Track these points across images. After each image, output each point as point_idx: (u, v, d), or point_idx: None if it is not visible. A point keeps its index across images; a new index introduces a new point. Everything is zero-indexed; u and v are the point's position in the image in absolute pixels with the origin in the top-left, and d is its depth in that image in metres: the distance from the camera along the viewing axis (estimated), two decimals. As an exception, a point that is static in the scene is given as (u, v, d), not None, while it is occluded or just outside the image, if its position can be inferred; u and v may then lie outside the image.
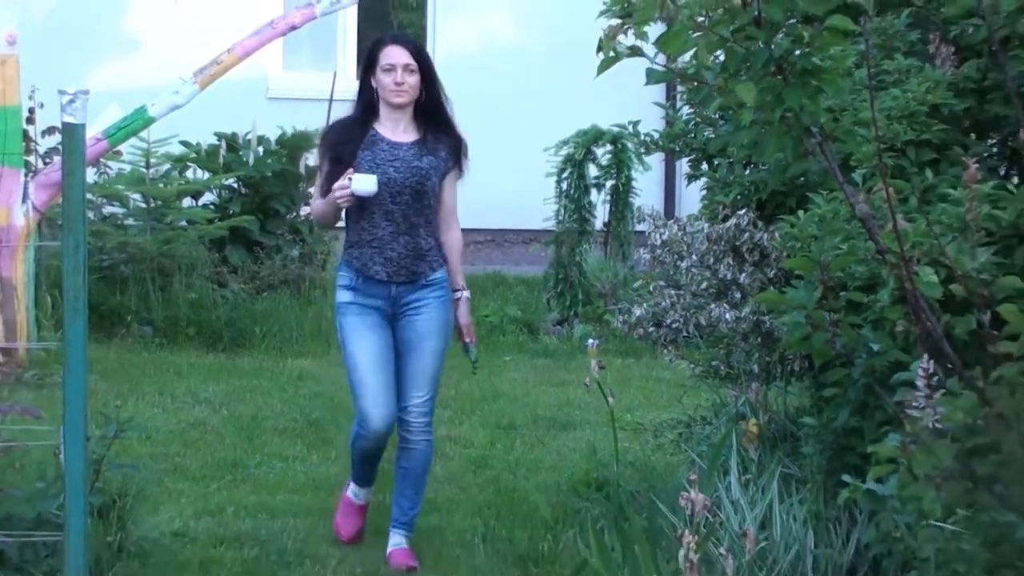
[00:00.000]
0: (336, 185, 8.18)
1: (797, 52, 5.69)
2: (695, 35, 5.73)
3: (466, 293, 8.66)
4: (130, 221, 15.72)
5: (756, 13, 5.63)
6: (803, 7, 5.62)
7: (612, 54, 5.67)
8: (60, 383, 6.48)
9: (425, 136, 8.53)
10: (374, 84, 8.50)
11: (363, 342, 8.39)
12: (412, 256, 8.41)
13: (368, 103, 8.51)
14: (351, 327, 8.44)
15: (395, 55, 8.23)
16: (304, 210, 16.53)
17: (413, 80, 8.28)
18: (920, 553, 6.37)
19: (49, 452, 7.65)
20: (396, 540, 8.64)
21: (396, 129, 8.48)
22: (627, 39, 5.72)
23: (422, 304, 8.48)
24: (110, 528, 8.41)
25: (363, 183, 8.07)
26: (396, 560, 8.51)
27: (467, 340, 8.44)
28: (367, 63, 8.55)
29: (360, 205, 8.30)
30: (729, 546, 5.62)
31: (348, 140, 8.47)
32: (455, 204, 8.75)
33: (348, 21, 18.09)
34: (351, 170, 8.20)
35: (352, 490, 8.91)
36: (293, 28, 14.45)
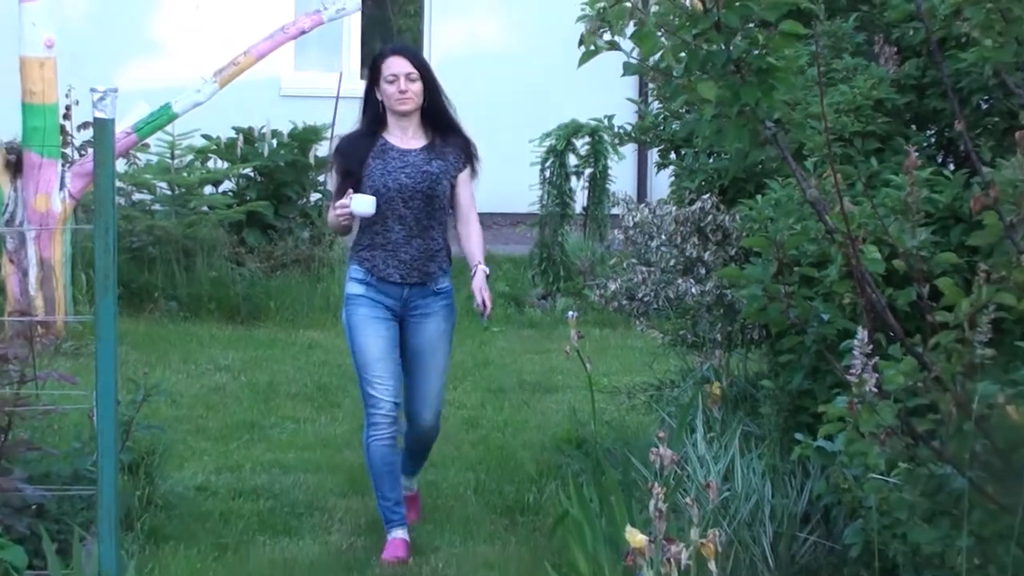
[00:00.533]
0: (338, 203, 7.95)
1: (754, 53, 5.71)
2: (664, 36, 5.77)
3: (484, 267, 8.08)
4: (157, 207, 15.73)
5: (716, 19, 5.65)
6: (758, 13, 5.64)
7: (592, 48, 5.69)
8: (94, 353, 6.49)
9: (433, 141, 8.16)
10: (379, 96, 8.17)
11: (371, 332, 8.01)
12: (424, 258, 8.04)
13: (375, 115, 8.16)
14: (359, 318, 8.06)
15: (397, 65, 7.93)
16: (314, 196, 16.56)
17: (416, 87, 7.96)
18: (865, 502, 6.39)
19: (84, 415, 7.65)
20: (406, 485, 8.52)
21: (405, 136, 8.12)
22: (605, 36, 5.75)
23: (430, 311, 8.15)
24: (139, 483, 8.43)
25: (362, 204, 7.76)
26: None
27: (480, 304, 7.93)
28: (370, 76, 8.23)
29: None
30: (695, 496, 5.64)
31: (356, 152, 8.10)
32: (471, 201, 8.33)
33: (352, 26, 18.05)
34: (351, 190, 7.86)
35: (391, 536, 8.06)
36: (303, 32, 14.48)
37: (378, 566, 7.80)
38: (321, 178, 16.43)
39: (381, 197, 7.87)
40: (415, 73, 7.97)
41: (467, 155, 8.24)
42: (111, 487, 6.44)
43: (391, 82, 7.92)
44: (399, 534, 7.95)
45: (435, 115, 8.14)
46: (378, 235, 7.98)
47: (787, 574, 7.79)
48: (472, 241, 8.19)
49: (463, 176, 8.22)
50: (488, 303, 7.89)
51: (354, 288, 8.08)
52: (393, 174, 7.96)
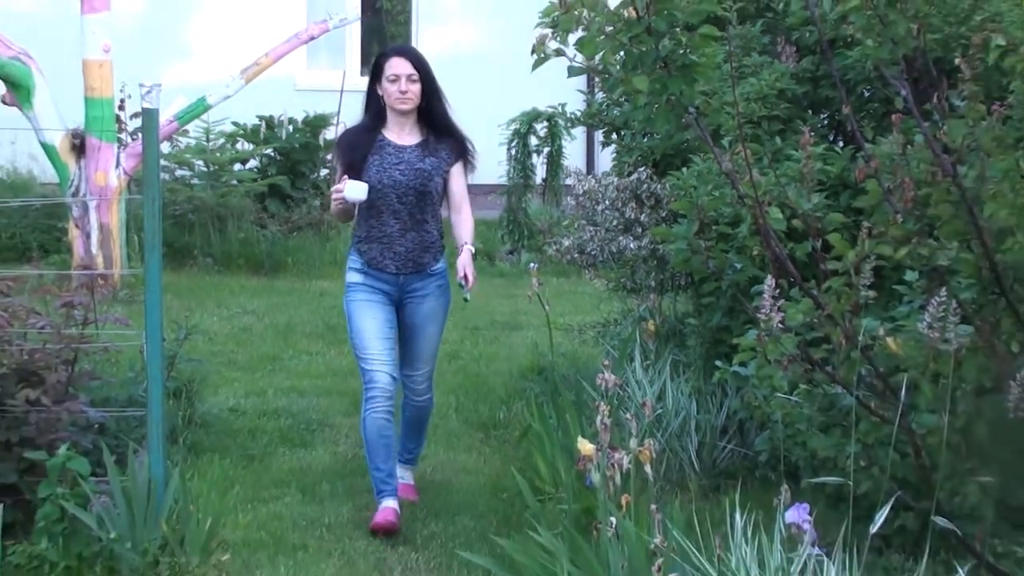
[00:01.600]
0: (333, 189, 7.20)
1: (678, 52, 5.69)
2: (602, 40, 5.75)
3: (470, 246, 7.20)
4: (195, 181, 15.69)
5: (647, 24, 5.63)
6: (682, 19, 5.62)
7: (542, 55, 5.68)
8: (143, 300, 6.47)
9: (428, 139, 7.35)
10: (380, 92, 7.41)
11: (368, 314, 7.20)
12: (418, 250, 7.27)
13: (377, 111, 7.37)
14: (358, 303, 7.27)
15: (398, 66, 7.16)
16: (323, 172, 16.53)
17: (416, 88, 7.18)
18: (772, 417, 6.40)
19: (136, 350, 7.62)
20: (400, 474, 7.54)
21: (401, 133, 7.31)
22: (555, 44, 5.73)
23: (426, 292, 7.37)
24: (181, 406, 8.43)
25: (354, 191, 6.99)
26: (400, 493, 7.34)
27: (462, 278, 7.03)
28: (373, 74, 7.44)
29: (369, 204, 7.19)
30: (634, 413, 5.64)
31: (359, 146, 7.31)
32: (464, 192, 7.44)
33: (353, 32, 17.98)
34: (345, 177, 7.13)
35: (381, 506, 7.10)
36: (312, 38, 14.50)
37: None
38: (329, 156, 16.37)
39: (377, 192, 7.16)
40: (416, 74, 7.22)
41: (460, 152, 7.44)
42: (159, 409, 6.43)
43: (392, 81, 7.18)
44: (390, 503, 7.07)
45: (431, 115, 7.37)
46: (375, 228, 7.26)
47: (709, 476, 7.81)
48: (463, 228, 7.35)
49: (456, 168, 7.41)
50: (471, 279, 7.06)
51: (353, 277, 7.35)
52: (388, 171, 7.21)
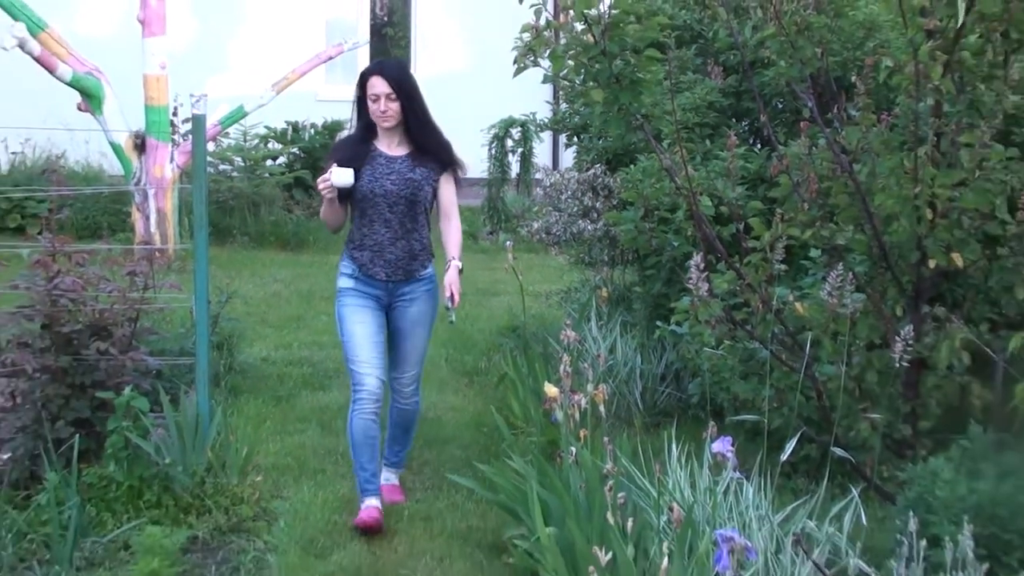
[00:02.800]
0: (320, 179, 6.18)
1: (628, 70, 5.67)
2: (568, 59, 5.73)
3: (457, 263, 6.21)
4: (234, 174, 15.59)
5: (602, 48, 5.61)
6: (631, 44, 5.60)
7: (523, 65, 5.66)
8: (192, 270, 6.44)
9: (416, 150, 6.31)
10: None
11: (358, 319, 6.19)
12: (407, 257, 6.26)
13: (368, 122, 6.35)
14: (349, 307, 6.25)
15: (377, 86, 6.18)
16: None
17: (395, 106, 6.16)
18: (702, 366, 6.39)
19: (186, 311, 7.60)
20: (386, 476, 6.66)
21: (391, 144, 6.31)
22: (531, 58, 5.72)
23: (415, 297, 6.32)
24: (223, 356, 8.40)
25: (341, 176, 6.03)
26: (385, 494, 6.42)
27: (449, 299, 6.06)
28: (358, 91, 6.45)
29: (360, 213, 6.28)
30: (590, 363, 5.62)
31: (354, 157, 6.28)
32: (453, 201, 6.45)
33: (363, 54, 17.86)
34: (334, 164, 6.20)
35: (364, 504, 6.14)
36: (330, 58, 14.45)
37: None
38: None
39: (368, 202, 6.22)
40: (393, 93, 6.19)
41: (447, 163, 6.42)
42: (205, 358, 6.41)
43: (373, 100, 6.21)
44: (373, 502, 6.11)
45: (416, 128, 6.32)
46: (366, 236, 6.26)
47: (650, 415, 7.81)
48: (450, 238, 6.36)
49: (444, 178, 6.40)
50: (457, 297, 6.10)
51: (344, 282, 6.33)
52: (380, 180, 6.21)
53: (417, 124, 6.30)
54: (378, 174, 6.24)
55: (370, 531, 5.99)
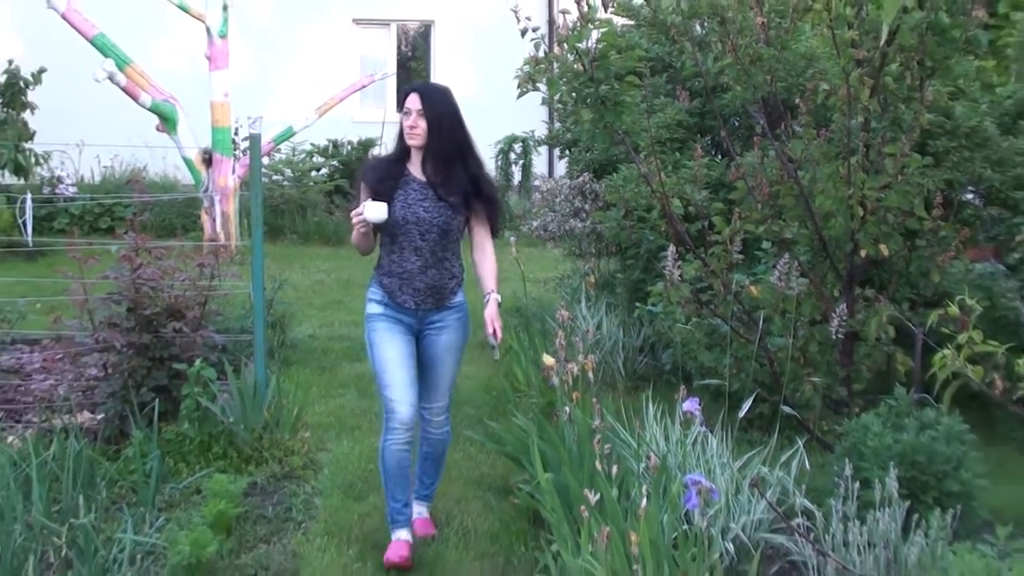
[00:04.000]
0: (353, 212, 5.05)
1: (612, 94, 5.64)
2: (562, 85, 5.71)
3: (496, 296, 5.11)
4: (285, 183, 15.57)
5: (590, 75, 5.58)
6: (614, 72, 5.58)
7: (525, 90, 5.64)
8: (250, 262, 6.42)
9: (450, 176, 5.10)
10: None
11: (390, 345, 5.08)
12: (438, 286, 5.14)
13: (405, 146, 5.19)
14: (379, 333, 5.14)
15: (410, 101, 5.09)
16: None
17: (423, 124, 5.05)
18: (674, 340, 6.37)
19: (246, 296, 7.57)
20: (418, 510, 5.48)
21: (425, 169, 5.12)
22: (532, 84, 5.70)
23: (445, 325, 5.20)
24: (277, 333, 8.41)
25: (374, 211, 4.97)
26: (417, 528, 5.34)
27: (490, 334, 4.99)
28: (399, 107, 5.48)
29: (391, 239, 5.14)
30: (581, 337, 5.60)
31: (387, 178, 5.17)
32: (487, 231, 5.24)
33: (391, 83, 17.82)
34: (369, 199, 5.05)
35: (395, 537, 5.12)
36: (364, 87, 14.47)
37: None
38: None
39: (399, 228, 5.05)
40: (423, 110, 5.06)
41: (481, 191, 5.19)
42: (261, 335, 6.39)
43: (405, 115, 5.11)
44: (403, 535, 5.10)
45: (435, 152, 5.09)
46: (395, 263, 5.12)
47: (631, 380, 7.78)
48: (486, 269, 5.18)
49: (478, 206, 5.19)
50: (499, 333, 5.03)
51: (373, 308, 5.23)
52: (412, 207, 5.07)
53: (438, 147, 5.07)
54: (411, 200, 5.08)
55: (400, 569, 4.98)
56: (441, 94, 5.17)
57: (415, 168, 5.14)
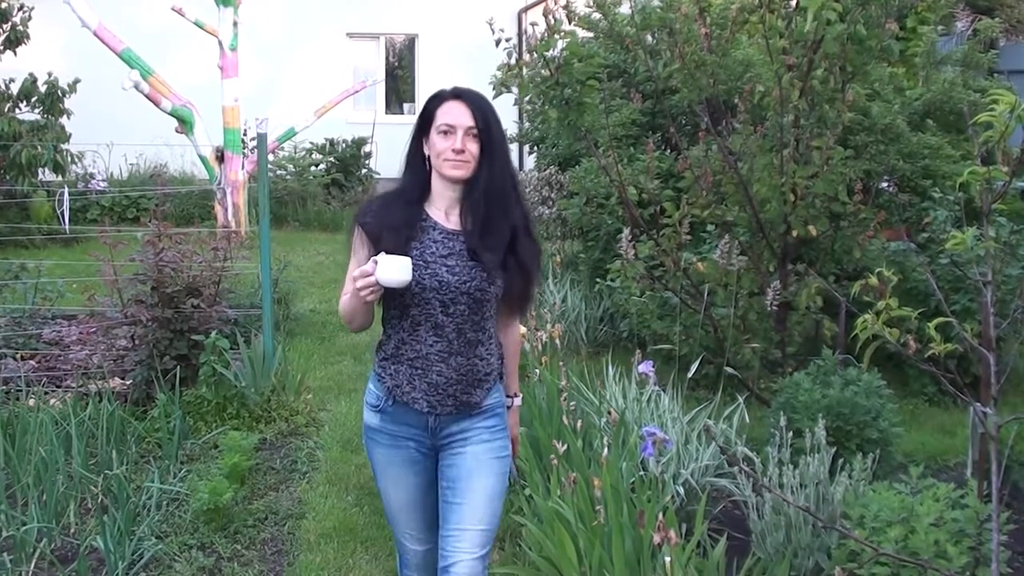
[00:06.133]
0: (356, 274, 2.77)
1: (575, 95, 5.61)
2: (531, 88, 5.67)
3: (517, 400, 3.16)
4: (288, 177, 15.45)
5: (556, 79, 5.55)
6: (577, 77, 5.54)
7: (498, 92, 5.60)
8: (259, 246, 6.37)
9: (489, 223, 2.86)
10: (427, 150, 2.92)
11: (392, 479, 3.02)
12: (465, 383, 2.90)
13: (422, 179, 2.94)
14: (381, 460, 3.03)
15: (456, 114, 2.86)
16: (362, 171, 16.29)
17: (476, 149, 2.84)
18: (630, 311, 6.36)
19: (255, 276, 7.52)
20: None
21: (452, 212, 2.92)
22: (505, 89, 5.66)
23: (469, 436, 2.95)
24: (282, 308, 8.34)
25: (393, 270, 2.71)
26: None
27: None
28: (422, 123, 2.94)
29: (400, 312, 2.92)
30: (548, 309, 5.58)
31: (400, 227, 2.87)
32: (515, 304, 3.03)
33: (380, 88, 17.66)
34: (383, 254, 2.74)
35: None
36: (356, 92, 14.30)
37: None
38: (367, 159, 16.12)
39: (414, 297, 2.86)
40: (476, 129, 2.85)
41: (516, 252, 2.92)
42: (269, 310, 6.34)
43: (445, 134, 2.85)
44: None
45: (487, 189, 2.86)
46: (405, 345, 2.91)
47: (593, 346, 7.78)
48: (509, 360, 3.12)
49: (514, 268, 2.92)
50: (518, 450, 3.24)
51: (369, 418, 3.06)
52: (431, 266, 2.86)
53: (488, 184, 2.88)
54: (429, 255, 2.89)
55: None
56: (492, 108, 2.99)
57: (437, 210, 2.96)
